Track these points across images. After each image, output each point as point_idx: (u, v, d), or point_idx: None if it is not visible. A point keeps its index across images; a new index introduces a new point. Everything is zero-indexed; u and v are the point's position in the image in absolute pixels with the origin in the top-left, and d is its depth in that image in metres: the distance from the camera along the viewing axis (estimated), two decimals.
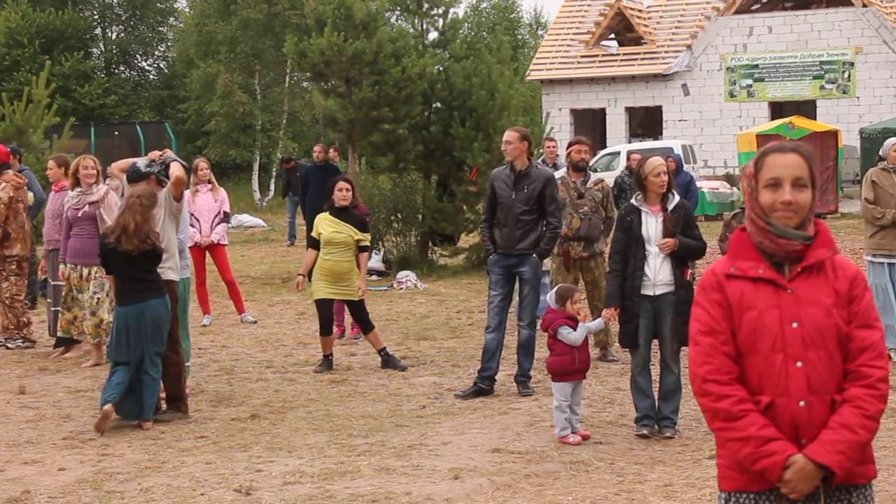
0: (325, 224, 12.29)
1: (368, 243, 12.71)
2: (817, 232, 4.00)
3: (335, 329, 13.07)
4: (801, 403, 3.89)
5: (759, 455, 3.85)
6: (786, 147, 4.02)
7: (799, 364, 3.89)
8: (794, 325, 3.91)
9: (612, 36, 45.48)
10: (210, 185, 15.74)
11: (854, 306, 3.98)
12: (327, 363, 12.28)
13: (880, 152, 12.42)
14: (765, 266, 3.98)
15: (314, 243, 12.40)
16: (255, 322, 15.76)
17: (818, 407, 3.90)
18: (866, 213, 12.08)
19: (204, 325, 15.20)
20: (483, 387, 10.88)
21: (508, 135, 10.91)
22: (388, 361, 12.34)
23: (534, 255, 10.84)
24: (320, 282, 12.28)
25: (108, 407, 9.62)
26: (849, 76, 40.17)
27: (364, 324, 12.50)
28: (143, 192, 9.93)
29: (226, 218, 15.90)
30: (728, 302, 3.98)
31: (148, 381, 9.85)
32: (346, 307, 13.15)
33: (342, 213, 12.33)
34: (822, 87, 40.50)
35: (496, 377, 11.02)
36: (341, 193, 12.38)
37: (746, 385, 3.94)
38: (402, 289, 18.53)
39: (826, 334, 3.92)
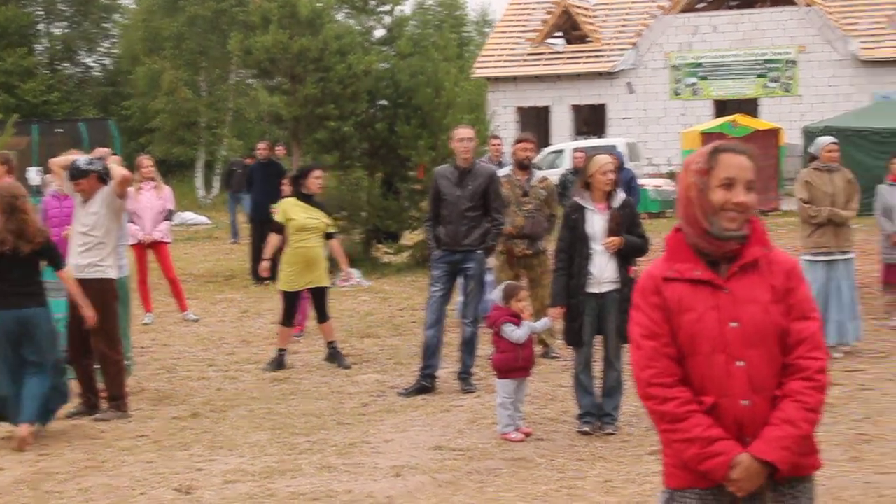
0: (298, 210, 12.32)
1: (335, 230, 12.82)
2: (752, 230, 4.01)
3: (295, 328, 13.09)
4: (744, 402, 3.89)
5: (704, 455, 3.86)
6: (738, 148, 4.01)
7: (740, 363, 3.90)
8: (733, 324, 3.91)
9: (559, 34, 45.59)
10: (153, 183, 15.63)
11: (790, 298, 3.98)
12: (278, 362, 12.22)
13: (812, 151, 12.52)
14: (701, 267, 3.97)
15: (279, 228, 12.37)
16: (198, 320, 15.68)
17: (761, 405, 3.91)
18: (802, 213, 12.18)
19: (145, 324, 15.11)
20: (425, 384, 10.88)
21: (467, 132, 10.94)
22: (334, 356, 12.34)
23: (479, 252, 10.85)
24: (291, 272, 12.28)
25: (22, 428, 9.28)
26: (792, 75, 40.48)
27: (323, 313, 12.50)
28: (12, 188, 9.62)
29: (169, 216, 15.81)
30: (667, 305, 3.97)
31: (40, 385, 9.35)
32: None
33: (311, 200, 12.40)
34: (765, 86, 40.79)
35: (438, 374, 11.02)
36: (318, 181, 12.50)
37: (690, 386, 3.94)
38: (345, 286, 18.51)
39: (765, 332, 3.92)
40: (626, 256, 9.13)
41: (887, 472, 7.94)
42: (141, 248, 15.25)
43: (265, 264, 12.54)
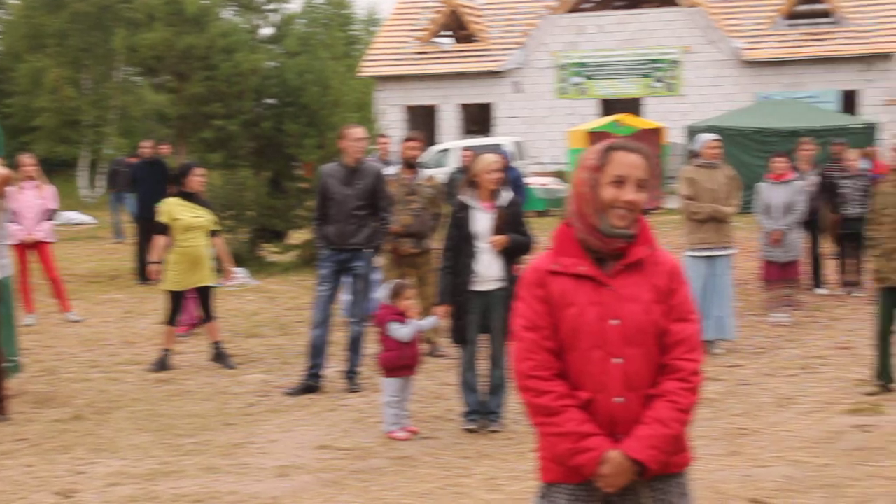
0: (183, 209, 12.19)
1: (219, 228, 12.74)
2: (639, 229, 4.04)
3: (182, 328, 12.98)
4: (619, 399, 3.93)
5: (576, 450, 3.89)
6: (632, 146, 4.03)
7: (617, 360, 3.93)
8: (614, 322, 3.94)
9: (447, 33, 45.69)
10: (35, 182, 15.38)
11: (672, 299, 4.03)
12: (162, 362, 12.09)
13: (695, 148, 12.70)
14: (587, 263, 3.99)
15: (163, 229, 12.22)
16: (81, 321, 15.45)
17: (635, 402, 3.95)
18: (685, 210, 12.34)
19: (27, 325, 14.84)
20: (311, 384, 10.85)
21: (361, 132, 10.94)
22: (219, 356, 12.25)
23: (367, 251, 10.85)
24: (177, 271, 12.14)
25: None
26: (676, 75, 41.02)
27: (209, 311, 12.39)
28: None
29: (52, 215, 15.57)
30: (550, 298, 3.98)
31: None
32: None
33: (195, 199, 12.29)
34: (650, 86, 41.29)
35: (324, 374, 10.99)
36: (200, 179, 12.39)
37: (567, 380, 3.96)
38: (231, 286, 18.35)
39: (645, 331, 3.96)
40: (511, 255, 9.18)
41: (764, 465, 8.10)
42: (22, 248, 15.00)
43: (154, 267, 12.40)
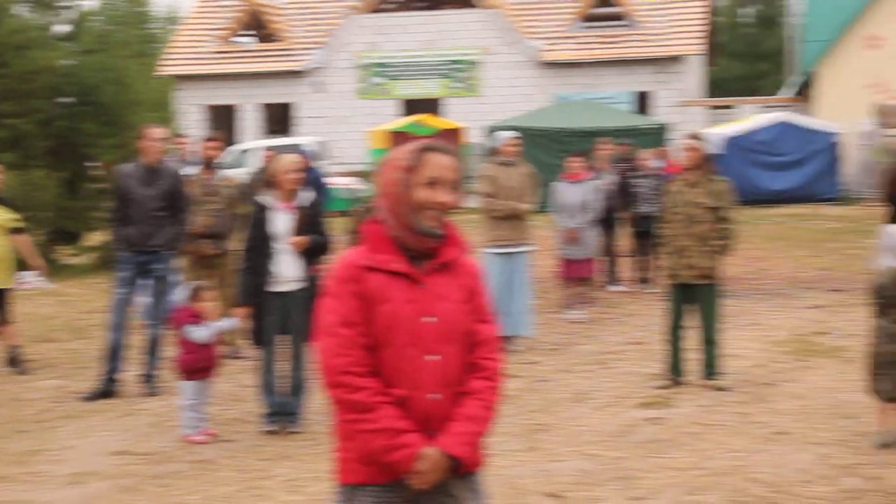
0: None
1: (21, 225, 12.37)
2: (450, 231, 4.10)
3: None
4: (433, 396, 3.97)
5: (391, 447, 3.89)
6: (445, 148, 4.06)
7: (431, 358, 3.97)
8: (429, 319, 3.98)
9: (250, 32, 45.32)
10: None
11: (475, 300, 4.12)
12: None
13: (494, 146, 12.86)
14: (402, 260, 4.01)
15: None
16: None
17: (448, 399, 4.00)
18: (484, 207, 12.48)
19: None
20: (107, 388, 10.67)
21: (161, 132, 10.80)
22: (14, 361, 11.95)
23: (166, 252, 10.72)
24: None
25: None
26: (475, 76, 41.49)
27: (6, 315, 12.05)
28: None
29: None
30: (364, 294, 3.97)
31: None
32: None
33: None
34: (450, 86, 41.68)
35: (121, 378, 10.81)
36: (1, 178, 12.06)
37: (381, 378, 3.96)
38: (25, 288, 17.89)
39: (456, 329, 4.02)
40: (311, 255, 9.18)
41: (561, 459, 8.27)
42: None
43: None
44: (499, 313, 10.58)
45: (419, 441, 3.92)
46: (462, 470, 4.00)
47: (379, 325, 3.97)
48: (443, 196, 3.99)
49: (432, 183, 3.99)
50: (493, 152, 12.78)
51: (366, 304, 3.97)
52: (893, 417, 8.47)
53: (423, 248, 4.03)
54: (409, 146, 4.09)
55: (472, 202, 12.67)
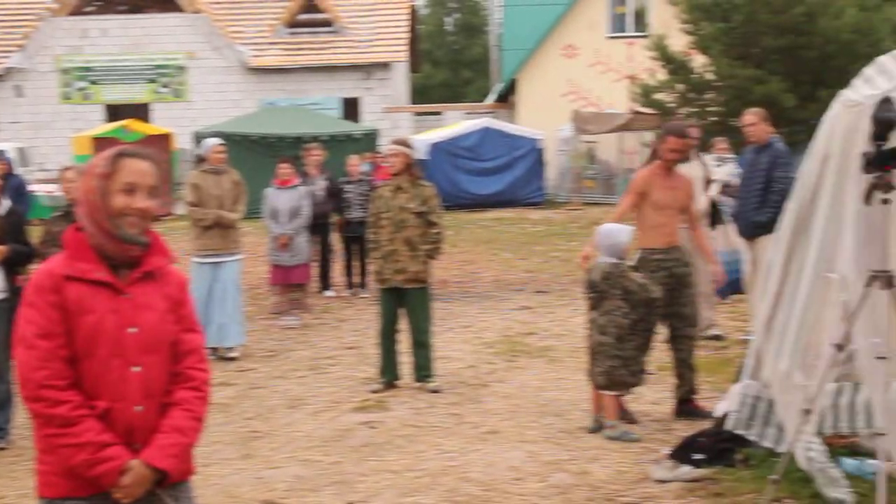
0: None
1: None
2: (153, 239, 4.05)
3: None
4: (137, 408, 3.92)
5: (95, 461, 3.82)
6: (142, 154, 4.01)
7: (136, 369, 3.92)
8: (132, 329, 3.92)
9: None
10: None
11: (181, 310, 4.10)
12: None
13: (200, 153, 12.71)
14: (103, 269, 3.93)
15: None
16: None
17: (152, 411, 3.96)
18: (191, 216, 12.31)
19: None
20: None
21: None
22: None
23: None
24: None
25: None
26: (182, 80, 40.92)
27: None
28: None
29: None
30: (65, 304, 3.88)
31: None
32: None
33: None
34: (156, 91, 40.98)
35: None
36: None
37: (82, 390, 3.87)
38: None
39: (161, 339, 3.99)
40: (12, 265, 8.88)
41: (277, 466, 8.25)
42: None
43: None
44: (204, 323, 10.43)
45: (123, 454, 3.87)
46: (170, 481, 3.97)
47: (80, 336, 3.89)
48: (141, 202, 3.95)
49: (129, 189, 3.94)
50: (199, 160, 12.62)
51: (66, 315, 3.89)
52: (606, 404, 8.85)
53: (126, 257, 3.98)
54: (105, 153, 4.04)
55: (181, 210, 12.59)
